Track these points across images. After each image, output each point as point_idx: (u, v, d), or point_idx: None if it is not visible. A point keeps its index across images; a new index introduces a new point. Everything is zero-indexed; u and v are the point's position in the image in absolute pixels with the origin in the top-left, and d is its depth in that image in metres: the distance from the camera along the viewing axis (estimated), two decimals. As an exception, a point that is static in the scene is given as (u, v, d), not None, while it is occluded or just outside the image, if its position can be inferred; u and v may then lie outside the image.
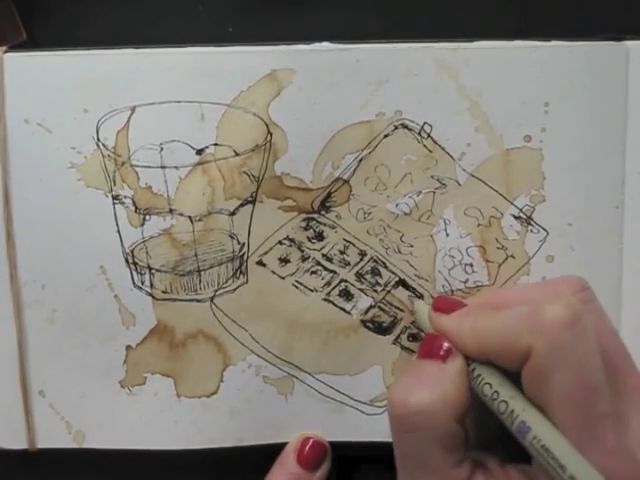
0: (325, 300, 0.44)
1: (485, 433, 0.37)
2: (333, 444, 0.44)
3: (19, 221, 0.43)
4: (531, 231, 0.44)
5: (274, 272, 0.44)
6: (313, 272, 0.44)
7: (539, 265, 0.44)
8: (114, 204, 0.43)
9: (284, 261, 0.44)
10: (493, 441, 0.37)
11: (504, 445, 0.36)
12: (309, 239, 0.44)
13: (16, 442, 0.45)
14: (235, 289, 0.44)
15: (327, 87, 0.43)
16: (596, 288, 0.44)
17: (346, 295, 0.44)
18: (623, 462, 0.32)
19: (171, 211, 0.43)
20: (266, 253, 0.44)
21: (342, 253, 0.44)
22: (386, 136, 0.43)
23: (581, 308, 0.33)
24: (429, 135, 0.43)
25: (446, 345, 0.36)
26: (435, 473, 0.35)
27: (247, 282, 0.44)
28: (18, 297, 0.44)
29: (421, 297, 0.44)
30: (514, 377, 0.34)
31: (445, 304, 0.38)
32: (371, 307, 0.44)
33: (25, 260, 0.44)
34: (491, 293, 0.41)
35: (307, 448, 0.44)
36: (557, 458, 0.31)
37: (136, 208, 0.43)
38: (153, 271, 0.44)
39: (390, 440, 0.36)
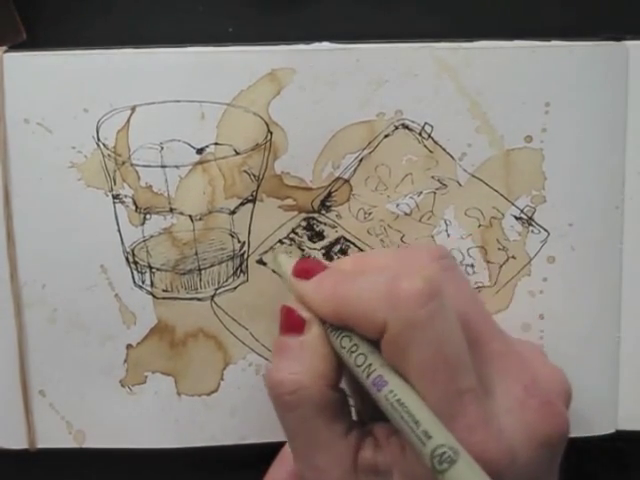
0: (325, 299, 0.44)
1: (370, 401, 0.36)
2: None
3: (19, 221, 0.43)
4: (532, 232, 0.44)
5: (274, 271, 0.44)
6: (313, 271, 0.44)
7: (540, 266, 0.44)
8: (114, 203, 0.43)
9: (284, 260, 0.44)
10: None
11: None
12: (309, 238, 0.44)
13: (16, 442, 0.45)
14: (235, 288, 0.44)
15: (327, 87, 0.43)
16: (596, 288, 0.45)
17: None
18: (487, 435, 0.32)
19: (171, 210, 0.43)
20: (266, 252, 0.44)
21: (342, 253, 0.44)
22: (386, 136, 0.43)
23: (440, 280, 0.32)
24: (430, 135, 0.43)
25: (297, 315, 0.36)
26: (324, 446, 0.35)
27: (247, 281, 0.44)
28: (18, 297, 0.44)
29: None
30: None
31: (305, 267, 0.37)
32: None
33: (25, 259, 0.44)
34: (353, 257, 0.40)
35: None
36: (412, 413, 0.31)
37: (136, 207, 0.43)
38: (153, 270, 0.44)
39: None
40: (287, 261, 0.38)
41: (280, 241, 0.44)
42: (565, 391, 0.37)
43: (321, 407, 0.34)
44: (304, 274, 0.36)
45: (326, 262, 0.38)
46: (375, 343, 0.33)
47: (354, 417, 0.37)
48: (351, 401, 0.37)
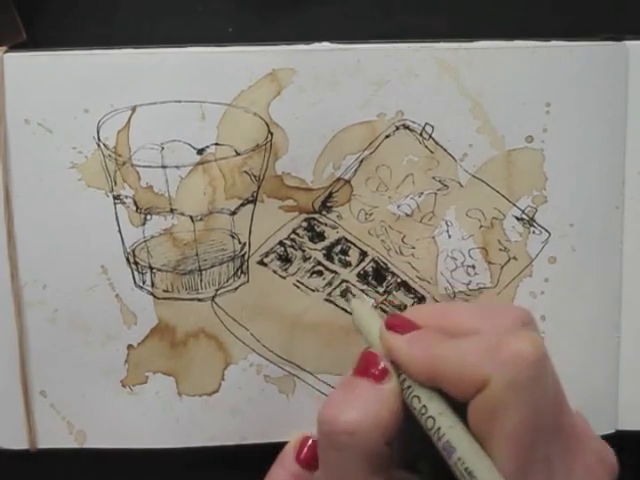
0: (326, 300, 0.44)
1: (411, 450, 0.36)
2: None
3: (20, 221, 0.43)
4: (533, 232, 0.44)
5: (275, 272, 0.44)
6: (314, 272, 0.44)
7: (541, 266, 0.44)
8: (115, 204, 0.43)
9: (285, 261, 0.44)
10: (419, 459, 0.36)
11: (430, 464, 0.35)
12: (310, 239, 0.44)
13: (17, 442, 0.45)
14: (236, 288, 0.44)
15: (328, 87, 0.43)
16: (596, 288, 0.45)
17: (347, 295, 0.44)
18: None
19: (172, 211, 0.43)
20: (267, 253, 0.44)
21: (343, 253, 0.44)
22: (387, 136, 0.43)
23: (545, 346, 0.32)
24: (430, 136, 0.43)
25: (382, 365, 0.36)
26: None
27: (248, 281, 0.44)
28: (19, 297, 0.44)
29: (423, 299, 0.44)
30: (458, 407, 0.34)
31: (399, 324, 0.37)
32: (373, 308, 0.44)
33: (26, 260, 0.44)
34: (440, 312, 0.40)
35: (306, 447, 0.44)
36: None
37: (137, 208, 0.43)
38: (154, 270, 0.44)
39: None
40: (367, 309, 0.39)
41: (281, 242, 0.44)
42: (614, 469, 0.37)
43: (370, 457, 0.34)
44: (397, 329, 0.36)
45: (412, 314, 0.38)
46: (449, 405, 0.33)
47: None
48: None
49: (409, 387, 0.35)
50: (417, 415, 0.34)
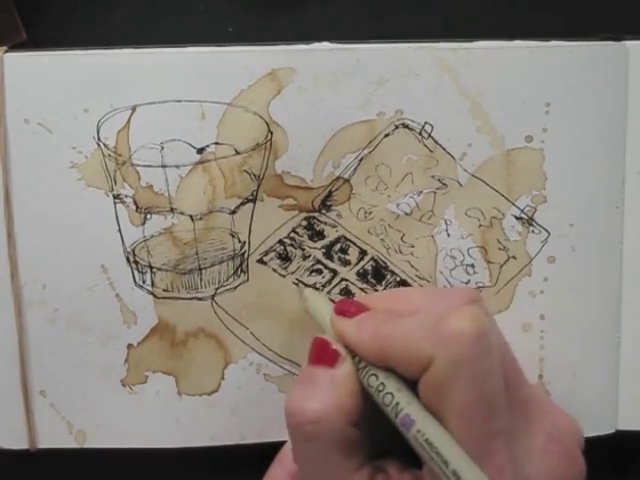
0: (326, 299, 0.44)
1: (385, 437, 0.36)
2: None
3: (20, 221, 0.43)
4: (532, 232, 0.44)
5: (275, 270, 0.44)
6: (314, 271, 0.44)
7: (541, 266, 0.44)
8: (115, 203, 0.43)
9: (285, 259, 0.44)
10: (393, 446, 0.36)
11: (403, 450, 0.35)
12: (310, 238, 0.44)
13: (17, 442, 0.45)
14: (236, 287, 0.44)
15: (327, 86, 0.43)
16: (596, 288, 0.45)
17: (347, 294, 0.44)
18: (514, 478, 0.32)
19: (172, 210, 0.44)
20: (267, 251, 0.44)
21: (343, 252, 0.44)
22: (387, 135, 0.43)
23: (485, 321, 0.33)
24: (430, 135, 0.43)
25: (332, 349, 0.36)
26: (335, 478, 0.35)
27: (248, 280, 0.44)
28: (19, 297, 0.44)
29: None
30: (410, 384, 0.34)
31: (348, 308, 0.38)
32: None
33: (26, 260, 0.44)
34: (391, 296, 0.41)
35: None
36: (441, 453, 0.31)
37: (137, 207, 0.44)
38: (154, 270, 0.44)
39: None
40: (320, 298, 0.40)
41: (280, 241, 0.44)
42: (580, 439, 0.38)
43: (339, 442, 0.35)
44: (346, 313, 0.37)
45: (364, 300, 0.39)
46: (404, 382, 0.34)
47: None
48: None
49: (365, 367, 0.35)
50: (373, 393, 0.34)
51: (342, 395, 0.35)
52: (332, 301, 0.42)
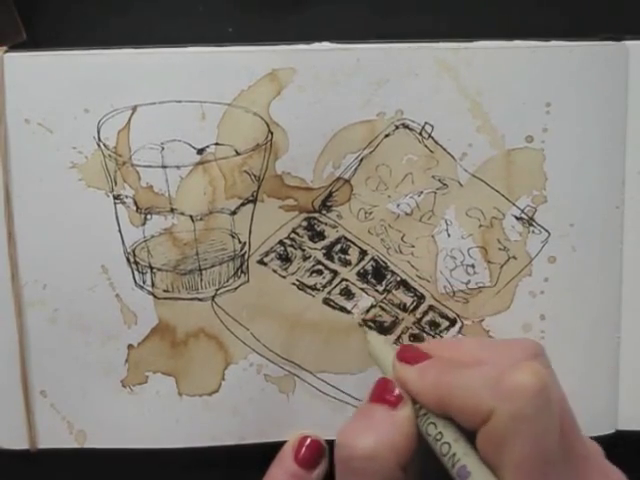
0: (326, 299, 0.44)
1: (424, 477, 0.37)
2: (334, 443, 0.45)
3: (20, 221, 0.43)
4: (533, 232, 0.44)
5: (275, 271, 0.44)
6: (314, 271, 0.44)
7: (541, 266, 0.44)
8: (115, 204, 0.43)
9: (285, 260, 0.44)
10: None
11: None
12: (310, 238, 0.44)
13: (17, 442, 0.45)
14: (236, 288, 0.44)
15: (328, 87, 0.43)
16: (596, 288, 0.45)
17: (347, 294, 0.44)
18: None
19: (172, 210, 0.44)
20: (267, 252, 0.44)
21: (343, 252, 0.44)
22: (387, 136, 0.43)
23: (547, 376, 0.33)
24: (430, 135, 0.43)
25: (397, 391, 0.36)
26: None
27: (248, 281, 0.44)
28: (19, 297, 0.44)
29: (422, 298, 0.44)
30: (468, 435, 0.34)
31: (409, 355, 0.38)
32: (372, 307, 0.44)
33: (26, 260, 0.44)
34: (452, 345, 0.41)
35: (305, 447, 0.44)
36: None
37: (137, 208, 0.44)
38: (154, 270, 0.44)
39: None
40: (382, 342, 0.41)
41: (281, 241, 0.44)
42: None
43: None
44: (408, 360, 0.37)
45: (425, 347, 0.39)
46: (462, 432, 0.34)
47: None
48: None
49: (425, 414, 0.35)
50: (431, 441, 0.35)
51: (398, 436, 0.35)
52: (395, 344, 0.43)
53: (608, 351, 0.45)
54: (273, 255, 0.44)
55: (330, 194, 0.44)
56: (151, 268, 0.44)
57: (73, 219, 0.43)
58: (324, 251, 0.44)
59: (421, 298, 0.44)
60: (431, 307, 0.44)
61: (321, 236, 0.44)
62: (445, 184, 0.44)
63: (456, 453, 0.33)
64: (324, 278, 0.44)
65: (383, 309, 0.44)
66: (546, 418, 0.32)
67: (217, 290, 0.44)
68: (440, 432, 0.34)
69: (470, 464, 0.33)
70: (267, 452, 0.44)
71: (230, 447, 0.45)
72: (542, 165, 0.43)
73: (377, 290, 0.44)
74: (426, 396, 0.35)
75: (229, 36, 0.45)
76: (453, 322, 0.45)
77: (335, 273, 0.44)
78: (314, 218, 0.44)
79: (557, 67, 0.43)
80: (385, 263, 0.44)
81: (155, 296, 0.44)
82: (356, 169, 0.44)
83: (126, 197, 0.43)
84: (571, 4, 0.45)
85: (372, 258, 0.44)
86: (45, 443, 0.45)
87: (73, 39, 0.44)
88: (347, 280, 0.44)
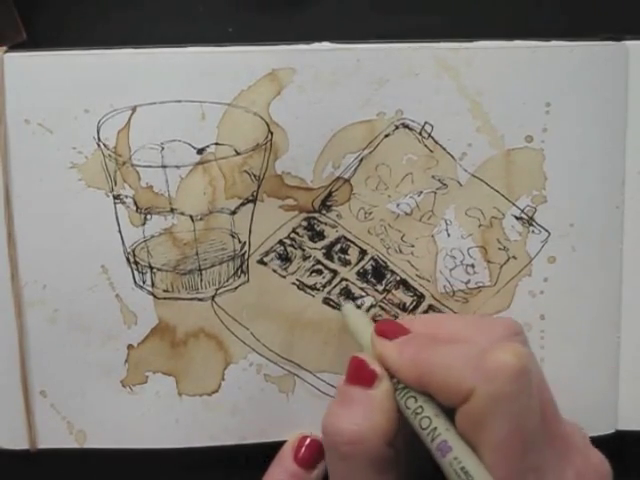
0: (326, 299, 0.44)
1: (419, 457, 0.37)
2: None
3: (20, 221, 0.43)
4: (533, 232, 0.44)
5: (275, 271, 0.44)
6: (314, 271, 0.44)
7: (541, 266, 0.44)
8: (115, 204, 0.43)
9: (285, 260, 0.44)
10: (425, 469, 0.36)
11: (432, 476, 0.35)
12: (310, 238, 0.44)
13: (17, 442, 0.45)
14: (236, 288, 0.44)
15: (328, 87, 0.43)
16: (596, 288, 0.45)
17: (347, 294, 0.44)
18: None
19: (172, 210, 0.44)
20: (267, 252, 0.44)
21: (343, 252, 0.44)
22: (387, 136, 0.43)
23: (528, 357, 0.33)
24: (430, 135, 0.43)
25: (370, 369, 0.37)
26: None
27: (248, 281, 0.44)
28: (19, 297, 0.44)
29: (422, 297, 0.44)
30: (446, 412, 0.34)
31: (388, 328, 0.38)
32: (372, 306, 0.44)
33: (26, 260, 0.44)
34: (432, 320, 0.41)
35: (304, 447, 0.44)
36: None
37: (137, 208, 0.44)
38: (154, 270, 0.44)
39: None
40: (359, 315, 0.41)
41: (281, 241, 0.44)
42: (607, 476, 0.37)
43: (374, 460, 0.35)
44: (387, 334, 0.37)
45: (406, 322, 0.39)
46: (442, 408, 0.34)
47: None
48: None
49: (403, 388, 0.35)
50: (410, 414, 0.35)
51: (378, 416, 0.35)
52: (373, 320, 0.42)
53: (608, 351, 0.45)
54: (273, 255, 0.44)
55: (330, 194, 0.44)
56: (151, 268, 0.44)
57: (73, 219, 0.43)
58: (324, 251, 0.44)
59: (421, 298, 0.44)
60: (431, 307, 0.44)
61: (321, 236, 0.44)
62: (445, 184, 0.44)
63: (437, 427, 0.33)
64: (324, 278, 0.44)
65: (383, 309, 0.44)
66: (526, 399, 0.32)
67: (217, 290, 0.44)
68: (420, 406, 0.34)
69: (451, 439, 0.33)
70: (267, 452, 0.44)
71: (230, 447, 0.45)
72: (542, 165, 0.43)
73: (377, 290, 0.44)
74: (405, 372, 0.35)
75: (229, 36, 0.45)
76: (453, 322, 0.45)
77: (335, 273, 0.44)
78: (314, 218, 0.44)
79: (557, 67, 0.43)
80: (385, 263, 0.44)
81: (155, 296, 0.44)
82: (356, 169, 0.44)
83: (126, 197, 0.43)
84: (571, 4, 0.45)
85: (372, 258, 0.44)
86: (45, 443, 0.45)
87: (73, 39, 0.44)
88: (347, 280, 0.44)
